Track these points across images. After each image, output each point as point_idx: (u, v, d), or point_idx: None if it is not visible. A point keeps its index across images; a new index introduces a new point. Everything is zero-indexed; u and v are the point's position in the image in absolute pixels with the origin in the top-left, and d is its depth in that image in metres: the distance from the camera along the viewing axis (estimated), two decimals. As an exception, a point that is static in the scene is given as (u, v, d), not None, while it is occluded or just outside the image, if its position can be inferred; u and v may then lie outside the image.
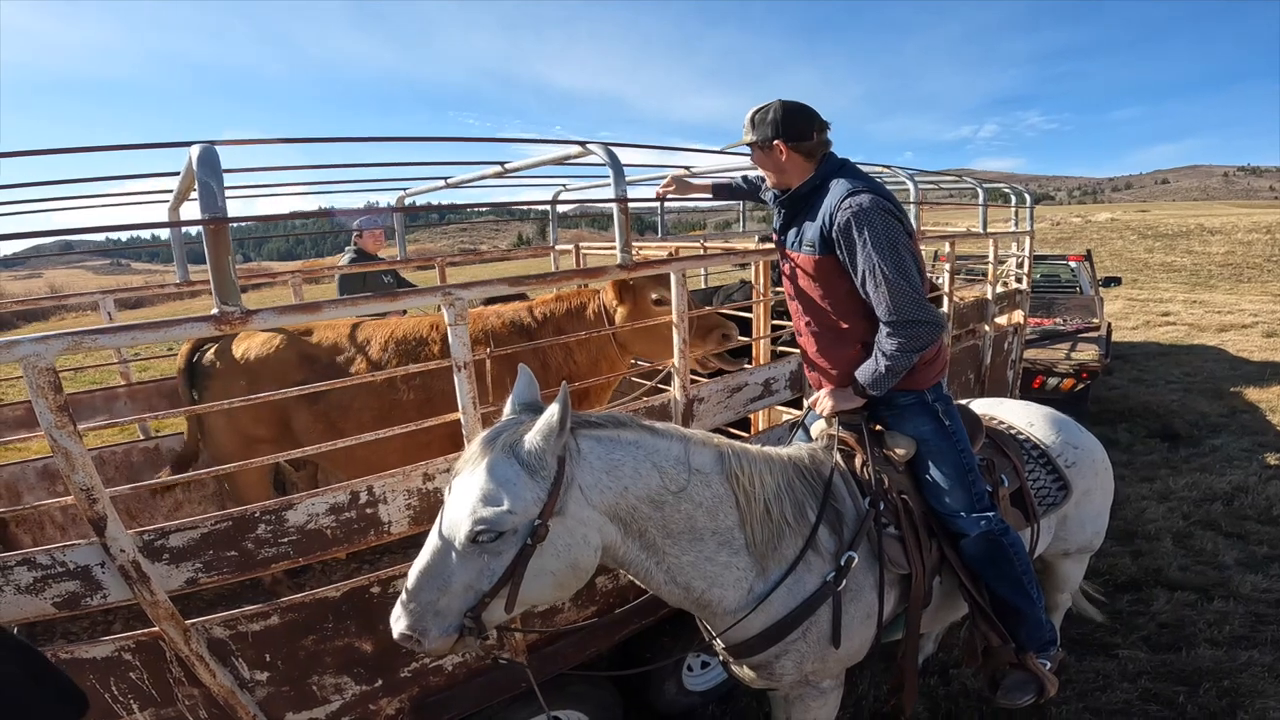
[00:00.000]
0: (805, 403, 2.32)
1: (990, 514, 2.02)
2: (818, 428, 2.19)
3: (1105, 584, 3.70)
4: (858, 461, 2.03)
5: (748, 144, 1.97)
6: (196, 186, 1.45)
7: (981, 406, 2.67)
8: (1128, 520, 4.43)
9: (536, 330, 3.07)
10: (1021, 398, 4.69)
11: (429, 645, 1.50)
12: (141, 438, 3.52)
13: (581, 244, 4.76)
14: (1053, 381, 6.07)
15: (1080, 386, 6.06)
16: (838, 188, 1.87)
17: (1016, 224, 5.01)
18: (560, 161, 2.57)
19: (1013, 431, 2.50)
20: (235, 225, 1.61)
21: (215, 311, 1.49)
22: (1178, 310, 12.74)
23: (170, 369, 3.52)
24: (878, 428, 2.12)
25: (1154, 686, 2.96)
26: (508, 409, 1.67)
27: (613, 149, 2.19)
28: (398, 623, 1.50)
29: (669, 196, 2.67)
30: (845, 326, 2.02)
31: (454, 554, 1.48)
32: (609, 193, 2.23)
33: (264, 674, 1.86)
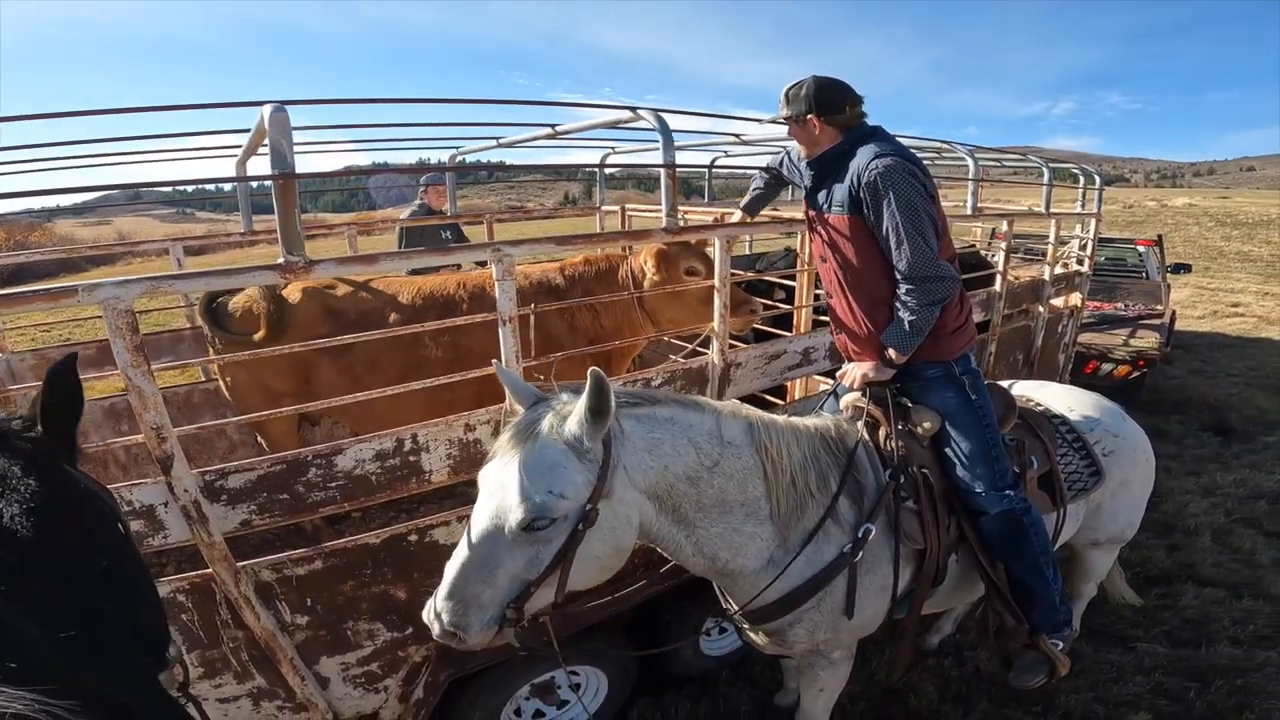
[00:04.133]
0: (837, 374, 2.33)
1: (1011, 492, 2.02)
2: (848, 399, 2.20)
3: (1136, 576, 3.65)
4: (881, 434, 2.04)
5: (783, 118, 2.05)
6: (267, 144, 1.52)
7: (1023, 389, 2.64)
8: (1168, 514, 4.33)
9: (565, 291, 3.10)
10: (1072, 383, 4.56)
11: (471, 641, 1.49)
12: (203, 379, 3.71)
13: (627, 206, 4.78)
14: (1106, 368, 5.88)
15: (1135, 374, 5.86)
16: (865, 151, 1.94)
17: (1083, 205, 4.83)
18: (610, 125, 2.59)
19: (1049, 414, 2.47)
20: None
21: (281, 260, 1.57)
22: (1248, 302, 12.09)
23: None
24: (906, 402, 2.12)
25: (1167, 681, 2.94)
26: (516, 398, 1.67)
27: (662, 115, 2.20)
28: (437, 621, 1.49)
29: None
30: (872, 287, 2.06)
31: (502, 544, 1.47)
32: (657, 157, 2.25)
33: (304, 618, 1.96)
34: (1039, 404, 2.53)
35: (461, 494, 4.00)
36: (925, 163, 2.00)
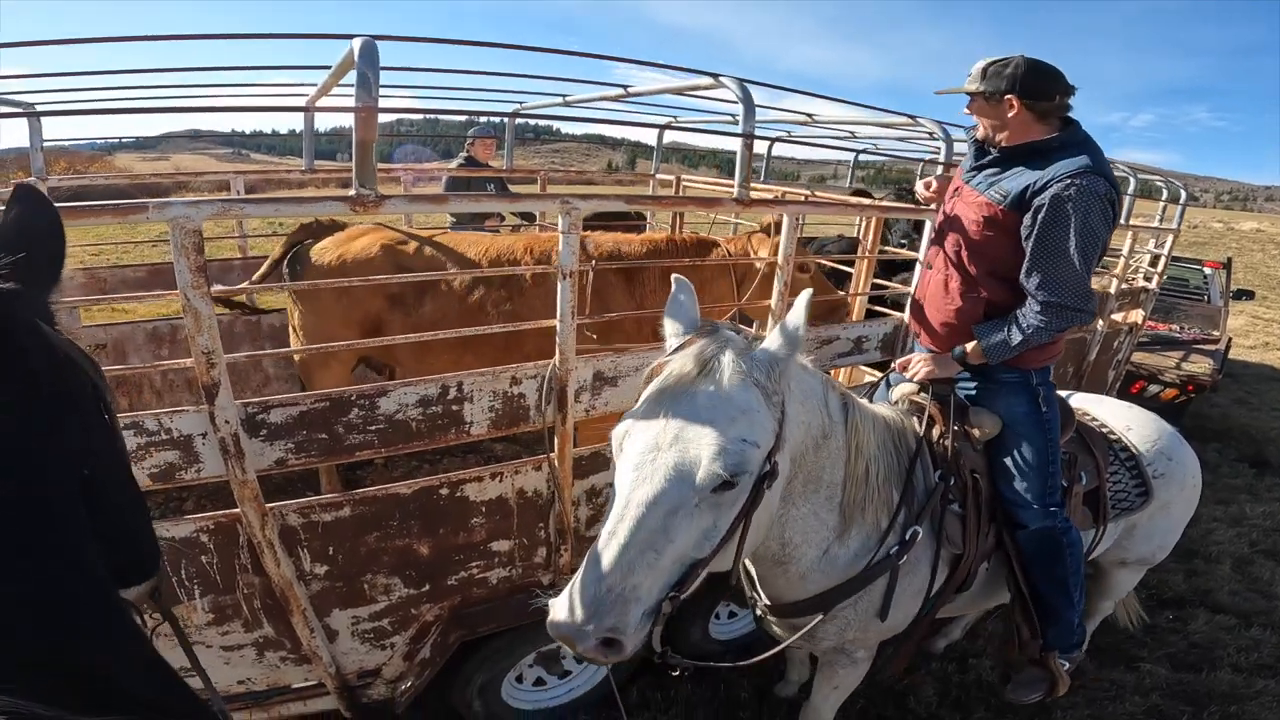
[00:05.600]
0: (893, 363, 2.26)
1: (1058, 509, 1.96)
2: (901, 391, 2.13)
3: (1150, 598, 3.64)
4: (935, 432, 1.98)
5: (970, 92, 1.90)
6: (355, 75, 1.47)
7: (1080, 401, 2.56)
8: (1193, 540, 4.29)
9: (641, 270, 3.05)
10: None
11: (630, 646, 1.20)
12: (243, 311, 3.74)
13: (684, 177, 4.71)
14: (1154, 389, 5.72)
15: (1182, 399, 5.69)
16: (1074, 161, 1.78)
17: (1162, 220, 4.64)
18: (684, 92, 2.51)
19: (1105, 430, 2.39)
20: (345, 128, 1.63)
21: (353, 193, 1.54)
22: (1305, 337, 11.64)
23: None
24: (963, 402, 2.05)
25: (1163, 704, 2.94)
26: (678, 323, 1.46)
27: (746, 85, 2.12)
28: (590, 625, 1.17)
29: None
30: (979, 281, 1.97)
31: (682, 512, 1.21)
32: (719, 129, 2.17)
33: (323, 567, 1.92)
34: (1095, 418, 2.46)
35: (485, 449, 4.07)
36: None
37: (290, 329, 3.21)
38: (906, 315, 2.84)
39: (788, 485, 1.54)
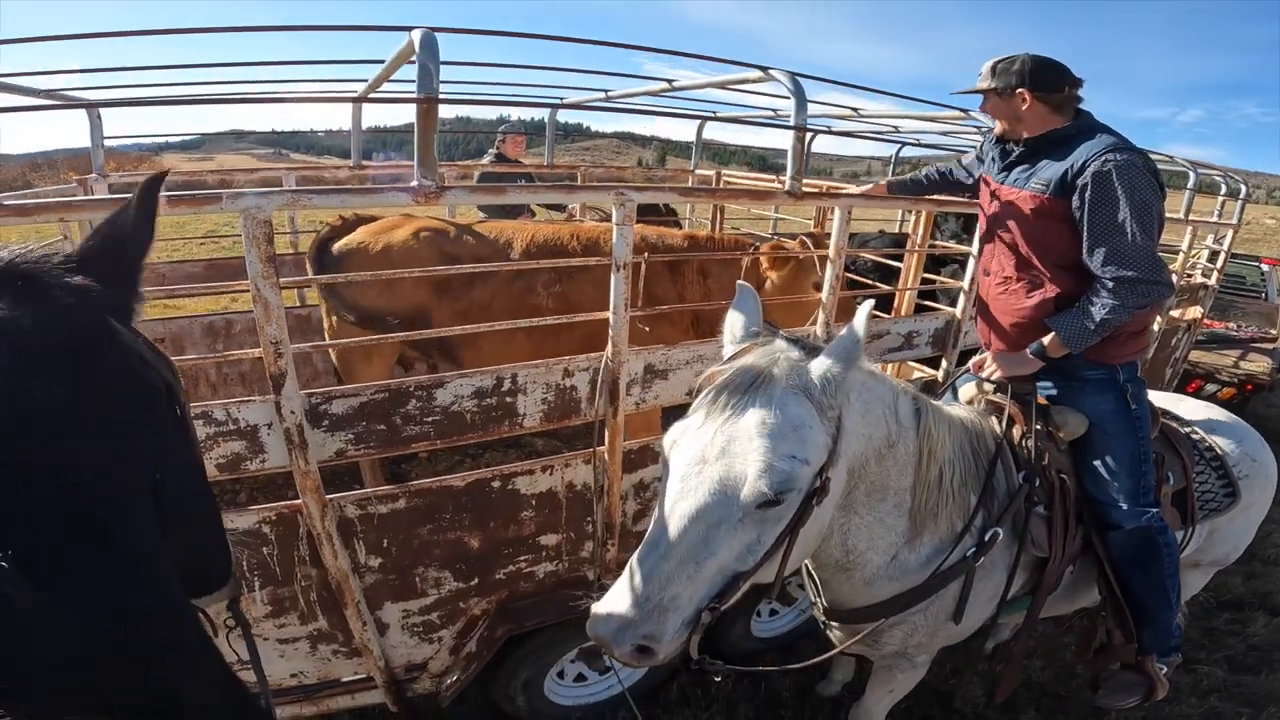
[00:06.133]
0: (945, 364, 2.22)
1: (1153, 509, 1.90)
2: (969, 391, 2.08)
3: (1208, 600, 3.58)
4: (1016, 432, 1.92)
5: (983, 90, 1.97)
6: (416, 67, 1.49)
7: (1159, 400, 2.50)
8: (1252, 542, 4.12)
9: (683, 262, 3.03)
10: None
11: (664, 654, 1.21)
12: (297, 304, 3.82)
13: (724, 173, 4.68)
14: (1210, 388, 5.56)
15: (1239, 399, 5.51)
16: (1101, 139, 1.83)
17: (1220, 215, 4.49)
18: (730, 86, 2.49)
19: (1187, 430, 2.31)
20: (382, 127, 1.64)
21: (415, 184, 1.55)
22: (1358, 336, 11.20)
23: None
24: (1043, 400, 1.99)
25: (1220, 705, 2.89)
26: (735, 331, 1.45)
27: (798, 78, 2.10)
28: (628, 630, 1.19)
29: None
30: (1045, 275, 1.95)
31: (724, 527, 1.20)
32: (762, 123, 2.15)
33: (377, 560, 1.94)
34: (1177, 417, 2.39)
35: (526, 444, 4.09)
36: None
37: (326, 327, 3.20)
38: (958, 310, 2.79)
39: (848, 495, 1.51)
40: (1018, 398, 1.95)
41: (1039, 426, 1.89)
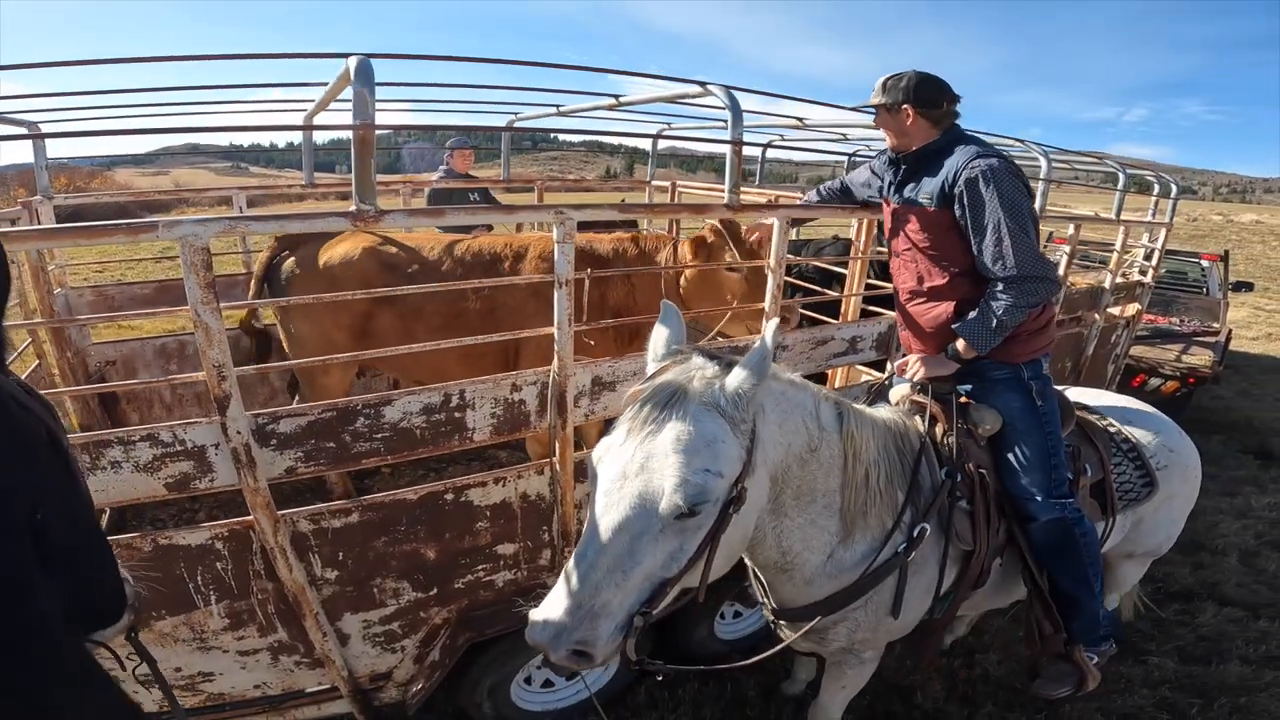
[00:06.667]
0: (891, 366, 2.31)
1: (1067, 501, 1.99)
2: (899, 393, 2.17)
3: (1158, 592, 3.66)
4: (939, 431, 2.01)
5: (875, 105, 2.07)
6: (351, 94, 1.53)
7: (1078, 395, 2.59)
8: (1198, 532, 4.30)
9: (608, 262, 3.14)
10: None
11: (600, 658, 1.27)
12: (255, 325, 3.80)
13: (679, 183, 4.77)
14: (1154, 382, 5.75)
15: (1183, 391, 5.72)
16: (965, 150, 1.97)
17: (1154, 214, 4.68)
18: (675, 100, 2.57)
19: (1105, 423, 2.42)
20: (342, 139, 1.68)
21: (354, 208, 1.58)
22: (1307, 326, 11.64)
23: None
24: (965, 400, 2.09)
25: (1172, 696, 2.96)
26: (658, 349, 1.52)
27: (733, 92, 2.18)
28: (562, 636, 1.25)
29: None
30: (946, 281, 2.06)
31: (646, 538, 1.26)
32: (711, 135, 2.22)
33: (334, 572, 1.97)
34: (1095, 411, 2.49)
35: (490, 456, 4.12)
36: None
37: (284, 339, 3.29)
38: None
39: (777, 499, 1.59)
40: (939, 398, 2.04)
41: (960, 424, 1.99)
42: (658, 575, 1.30)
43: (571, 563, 1.29)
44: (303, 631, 1.99)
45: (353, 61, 1.56)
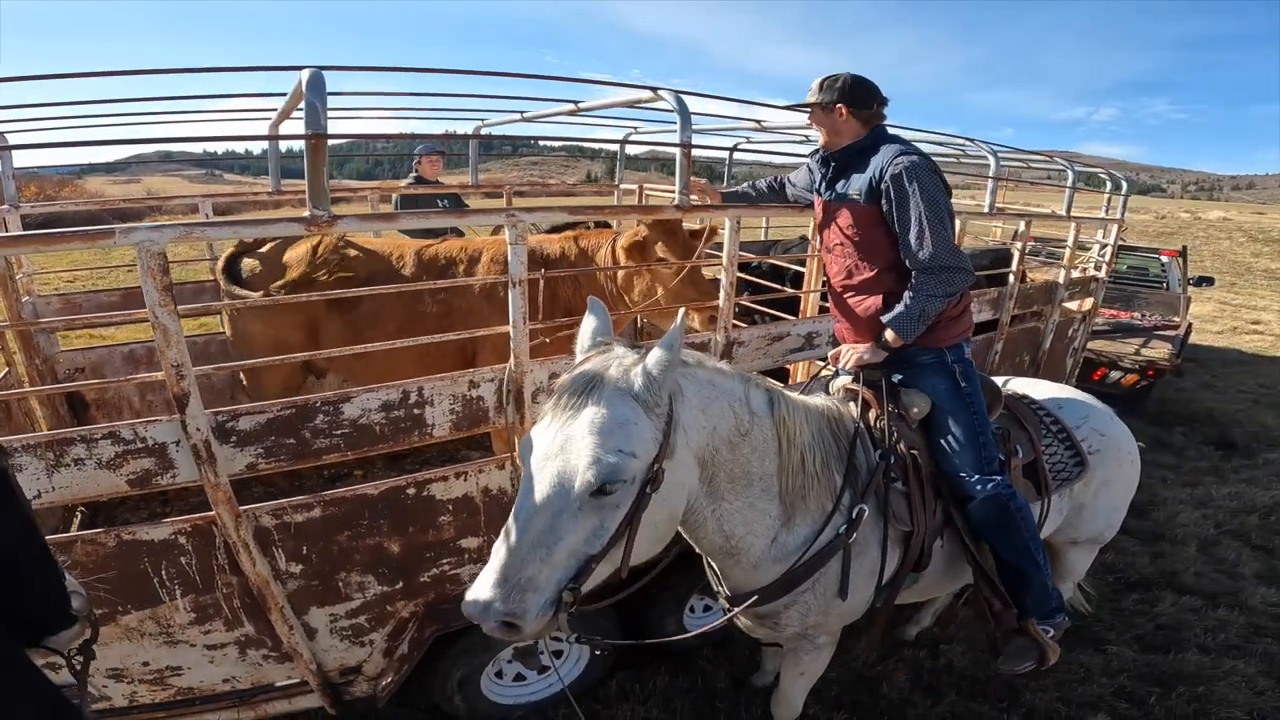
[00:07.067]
0: (830, 354, 2.39)
1: (998, 477, 2.07)
2: (839, 382, 2.26)
3: (1117, 581, 3.71)
4: (872, 415, 2.10)
5: (811, 104, 2.16)
6: (304, 105, 1.59)
7: (1016, 384, 2.67)
8: (1158, 522, 4.39)
9: (555, 262, 3.20)
10: (1080, 388, 4.57)
11: (528, 630, 1.35)
12: (221, 331, 3.80)
13: (646, 186, 4.84)
14: (1115, 375, 5.89)
15: (1143, 384, 5.86)
16: (890, 148, 2.09)
17: (1107, 211, 4.82)
18: (631, 105, 2.64)
19: (1035, 406, 2.51)
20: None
21: (307, 214, 1.64)
22: (1269, 320, 11.94)
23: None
24: (897, 384, 2.18)
25: (1131, 685, 2.99)
26: (584, 341, 1.61)
27: (682, 96, 2.26)
28: (490, 609, 1.32)
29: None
30: (874, 274, 2.16)
31: (565, 515, 1.35)
32: (675, 138, 2.30)
33: (298, 566, 2.01)
34: (1026, 396, 2.56)
35: (463, 457, 4.15)
36: (950, 161, 2.10)
37: (231, 337, 3.31)
38: None
39: (711, 483, 1.67)
40: (871, 384, 2.13)
41: (891, 409, 2.08)
42: (582, 552, 1.38)
43: (500, 540, 1.38)
44: (269, 625, 2.03)
45: (305, 74, 1.62)
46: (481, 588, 1.34)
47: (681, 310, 1.51)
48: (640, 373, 1.43)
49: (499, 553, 1.36)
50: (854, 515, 1.90)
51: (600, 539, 1.39)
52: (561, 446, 1.37)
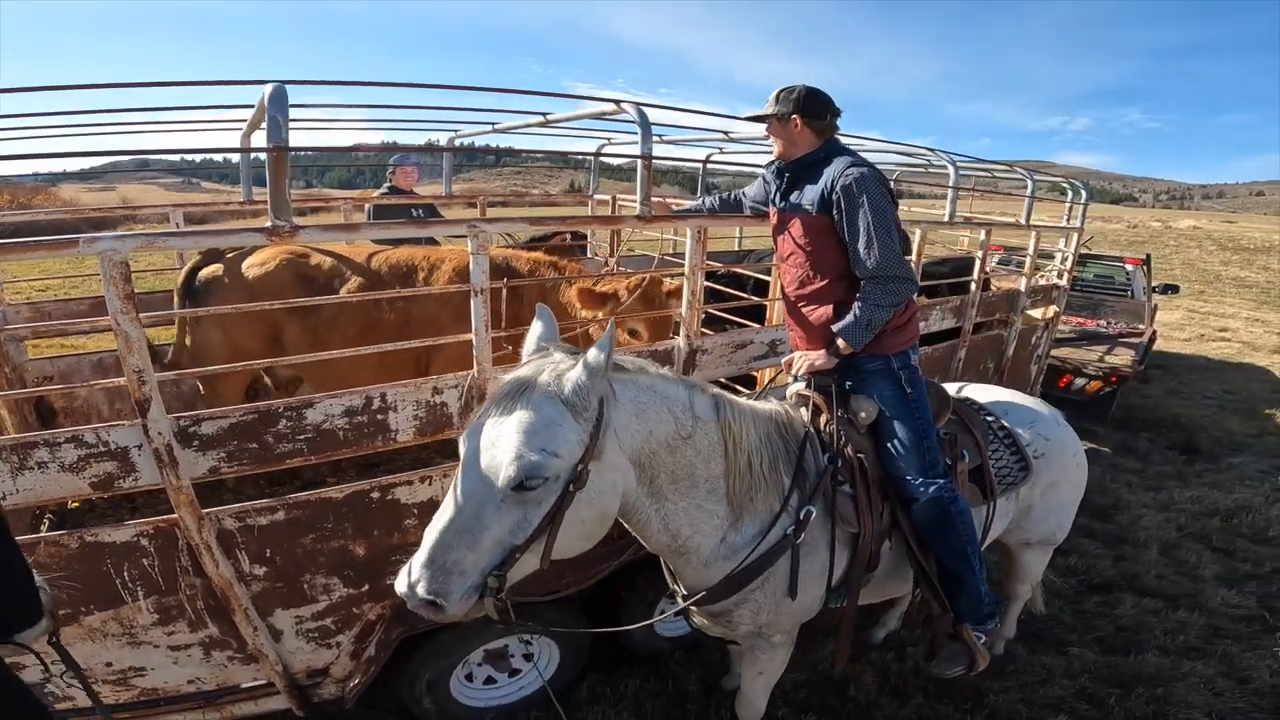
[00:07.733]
0: (782, 361, 2.46)
1: (941, 480, 2.13)
2: (792, 389, 2.33)
3: (1080, 584, 3.76)
4: (822, 420, 2.17)
5: (768, 115, 2.21)
6: (265, 119, 1.65)
7: (968, 391, 2.74)
8: (1121, 526, 4.46)
9: (524, 278, 3.17)
10: (1044, 396, 4.68)
11: (452, 610, 1.44)
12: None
13: (620, 196, 4.91)
14: (1079, 382, 6.00)
15: (1107, 390, 5.98)
16: (841, 160, 2.15)
17: (1068, 220, 4.93)
18: (597, 116, 2.72)
19: (983, 412, 2.58)
20: (300, 154, 1.79)
21: (269, 224, 1.69)
22: (1237, 327, 12.20)
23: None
24: (847, 390, 2.24)
25: (1091, 686, 3.03)
26: (529, 347, 1.69)
27: (643, 109, 2.33)
28: (416, 587, 1.42)
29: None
30: (826, 283, 2.21)
31: (490, 506, 1.44)
32: (653, 149, 2.36)
33: (262, 568, 2.03)
34: (974, 402, 2.63)
35: (432, 462, 4.15)
36: (919, 170, 2.16)
37: (183, 344, 3.30)
38: None
39: (651, 484, 1.75)
40: (821, 390, 2.21)
41: (840, 414, 2.15)
42: (507, 542, 1.47)
43: (432, 525, 1.47)
44: (234, 627, 2.05)
45: (268, 89, 1.68)
46: (412, 566, 1.44)
47: (612, 320, 1.59)
48: (570, 378, 1.51)
49: (429, 537, 1.46)
50: (801, 516, 1.96)
51: (524, 531, 1.48)
52: (492, 443, 1.46)
